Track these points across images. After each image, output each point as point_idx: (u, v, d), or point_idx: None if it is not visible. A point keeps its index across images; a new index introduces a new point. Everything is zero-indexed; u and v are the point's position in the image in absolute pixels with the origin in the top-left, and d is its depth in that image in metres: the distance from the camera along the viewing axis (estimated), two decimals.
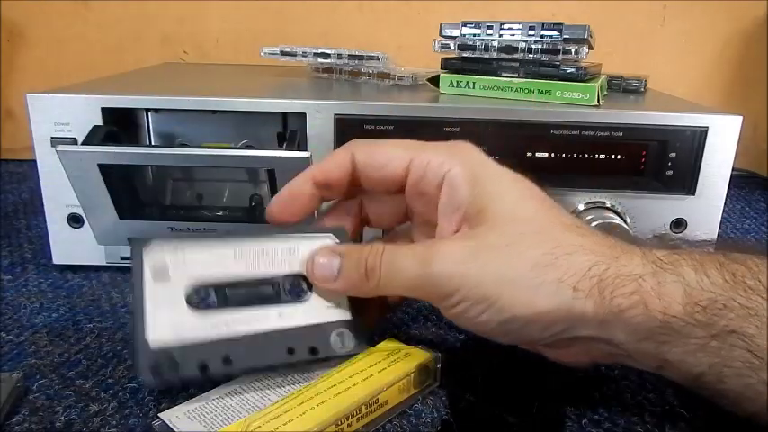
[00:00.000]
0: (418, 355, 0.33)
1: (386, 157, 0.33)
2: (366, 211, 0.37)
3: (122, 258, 0.48)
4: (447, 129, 0.45)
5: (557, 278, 0.27)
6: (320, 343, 0.32)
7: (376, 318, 0.36)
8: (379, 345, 0.34)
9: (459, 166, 0.31)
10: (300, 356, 0.32)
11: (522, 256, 0.28)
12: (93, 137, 0.43)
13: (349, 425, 0.29)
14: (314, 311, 0.33)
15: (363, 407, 0.30)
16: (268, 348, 0.31)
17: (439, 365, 0.33)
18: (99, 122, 0.44)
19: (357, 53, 0.58)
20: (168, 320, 0.30)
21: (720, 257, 0.27)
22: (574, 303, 0.27)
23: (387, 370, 0.32)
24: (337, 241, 0.34)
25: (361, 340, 0.33)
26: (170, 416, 0.30)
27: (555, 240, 0.28)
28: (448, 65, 0.52)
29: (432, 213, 0.33)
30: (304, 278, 0.33)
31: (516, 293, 0.27)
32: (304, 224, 0.36)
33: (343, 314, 0.33)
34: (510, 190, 0.31)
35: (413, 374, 0.32)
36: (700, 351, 0.26)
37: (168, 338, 0.29)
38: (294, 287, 0.34)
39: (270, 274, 0.33)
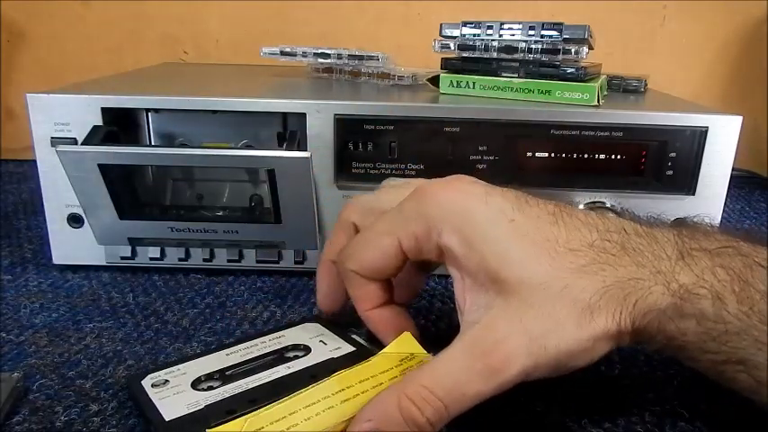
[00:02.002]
0: None
1: (376, 256, 0.32)
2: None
3: (122, 258, 0.48)
4: (447, 129, 0.45)
5: (604, 331, 0.27)
6: (338, 366, 0.32)
7: None
8: (394, 342, 0.33)
9: (446, 233, 0.29)
10: (324, 377, 0.31)
11: (568, 320, 0.27)
12: (93, 137, 0.43)
13: None
14: (320, 354, 0.34)
15: None
16: (289, 383, 0.31)
17: None
18: (99, 122, 0.44)
19: (357, 53, 0.58)
20: (181, 404, 0.30)
21: (741, 284, 0.26)
22: (617, 334, 0.27)
23: (398, 379, 0.31)
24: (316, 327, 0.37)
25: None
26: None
27: (579, 291, 0.27)
28: (448, 65, 0.52)
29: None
30: (302, 345, 0.35)
31: (584, 355, 0.28)
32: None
33: (349, 347, 0.35)
34: (509, 244, 0.28)
35: None
36: (709, 369, 0.27)
37: (184, 412, 0.30)
38: (295, 350, 0.35)
39: (266, 351, 0.35)
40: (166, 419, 0.29)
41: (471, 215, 0.29)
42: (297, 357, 0.34)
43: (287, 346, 0.35)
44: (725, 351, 0.26)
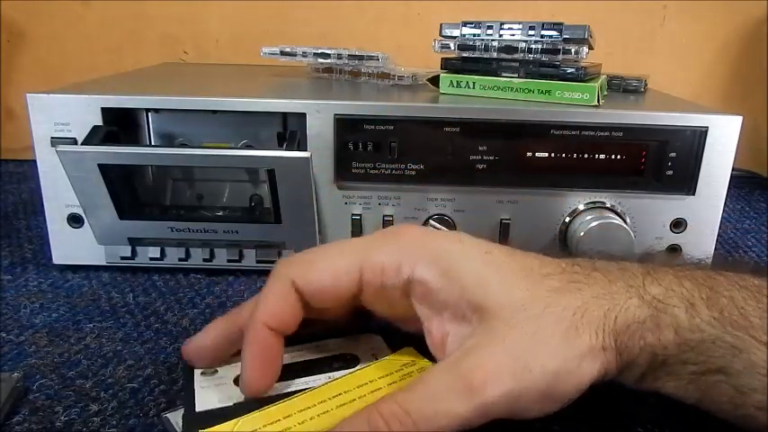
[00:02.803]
0: None
1: (328, 276, 0.30)
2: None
3: (122, 258, 0.48)
4: (447, 129, 0.45)
5: (589, 347, 0.26)
6: None
7: None
8: (394, 354, 0.33)
9: (422, 266, 0.28)
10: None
11: (551, 340, 0.26)
12: (93, 137, 0.43)
13: None
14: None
15: None
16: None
17: None
18: (99, 122, 0.44)
19: (357, 53, 0.58)
20: (216, 397, 0.30)
21: (707, 291, 0.27)
22: (605, 357, 0.27)
23: (397, 384, 0.30)
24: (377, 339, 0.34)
25: None
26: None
27: (565, 308, 0.27)
28: (448, 65, 0.52)
29: (401, 317, 0.31)
30: (353, 355, 0.34)
31: (570, 377, 0.26)
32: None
33: None
34: (487, 273, 0.28)
35: None
36: (690, 384, 0.27)
37: (214, 406, 0.30)
38: (344, 360, 0.34)
39: (318, 356, 0.34)
40: (196, 410, 0.29)
41: (447, 251, 0.29)
42: (342, 368, 0.33)
43: (336, 355, 0.34)
44: (703, 361, 0.26)
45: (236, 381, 0.31)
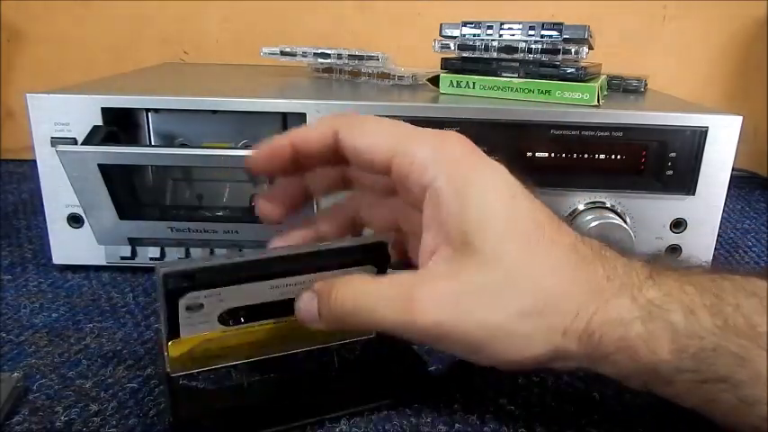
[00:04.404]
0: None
1: (368, 143, 0.30)
2: (361, 213, 0.36)
3: (122, 258, 0.48)
4: (447, 129, 0.45)
5: (546, 326, 0.26)
6: None
7: None
8: None
9: (442, 179, 0.28)
10: None
11: (509, 304, 0.27)
12: (93, 137, 0.43)
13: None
14: None
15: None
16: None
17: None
18: (99, 122, 0.44)
19: (357, 53, 0.58)
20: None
21: (712, 297, 0.26)
22: (563, 345, 0.26)
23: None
24: (375, 271, 0.33)
25: None
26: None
27: (541, 288, 0.27)
28: (448, 65, 0.52)
29: (417, 216, 0.31)
30: None
31: (506, 342, 0.27)
32: (346, 239, 0.35)
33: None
34: (496, 216, 0.28)
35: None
36: (687, 393, 0.26)
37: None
38: None
39: None
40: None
41: (475, 178, 0.29)
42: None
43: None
44: (703, 369, 0.25)
45: (221, 318, 0.31)
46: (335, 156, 0.31)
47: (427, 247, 0.29)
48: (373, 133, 0.31)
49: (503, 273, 0.27)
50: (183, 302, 0.30)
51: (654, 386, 0.27)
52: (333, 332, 0.33)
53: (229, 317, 0.31)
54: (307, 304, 0.30)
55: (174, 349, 0.30)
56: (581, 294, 0.27)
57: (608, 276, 0.27)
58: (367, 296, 0.28)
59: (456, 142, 0.30)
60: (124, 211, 0.44)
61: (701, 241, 0.47)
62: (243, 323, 0.32)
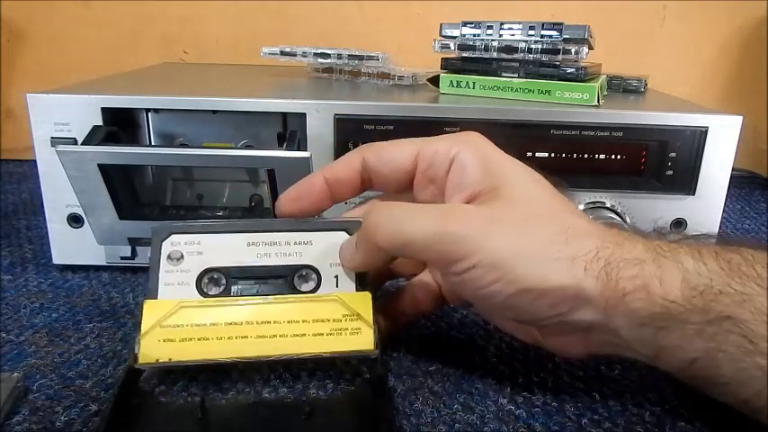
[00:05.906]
0: (364, 341, 0.32)
1: (394, 153, 0.34)
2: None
3: (122, 258, 0.48)
4: (447, 129, 0.45)
5: (570, 256, 0.28)
6: None
7: (388, 330, 0.35)
8: (352, 295, 0.33)
9: (467, 150, 0.32)
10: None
11: (537, 232, 0.29)
12: (93, 137, 0.43)
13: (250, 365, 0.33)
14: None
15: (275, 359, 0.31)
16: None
17: (377, 361, 0.32)
18: (99, 122, 0.44)
19: (357, 53, 0.58)
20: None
21: (717, 248, 0.28)
22: (584, 283, 0.27)
23: (323, 338, 0.31)
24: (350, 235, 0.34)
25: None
26: None
27: (567, 222, 0.29)
28: (448, 65, 0.52)
29: (439, 201, 0.34)
30: (315, 270, 0.34)
31: (531, 266, 0.28)
32: (319, 218, 0.36)
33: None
34: (521, 174, 0.32)
35: (345, 354, 0.32)
36: (696, 336, 0.27)
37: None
38: (304, 280, 0.34)
39: (280, 264, 0.34)
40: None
41: (495, 151, 0.33)
42: (301, 291, 0.34)
43: (301, 268, 0.34)
44: (710, 309, 0.26)
45: (199, 281, 0.33)
46: (363, 183, 0.35)
47: (456, 191, 0.32)
48: (398, 144, 0.34)
49: (532, 208, 0.30)
50: (164, 249, 0.32)
51: (664, 336, 0.27)
52: (318, 338, 0.32)
53: (210, 283, 0.33)
54: (348, 241, 0.34)
55: (149, 312, 0.31)
56: (599, 238, 0.29)
57: (620, 232, 0.30)
58: (403, 209, 0.31)
59: (474, 133, 0.34)
60: (124, 211, 0.44)
61: None
62: (221, 294, 0.33)
